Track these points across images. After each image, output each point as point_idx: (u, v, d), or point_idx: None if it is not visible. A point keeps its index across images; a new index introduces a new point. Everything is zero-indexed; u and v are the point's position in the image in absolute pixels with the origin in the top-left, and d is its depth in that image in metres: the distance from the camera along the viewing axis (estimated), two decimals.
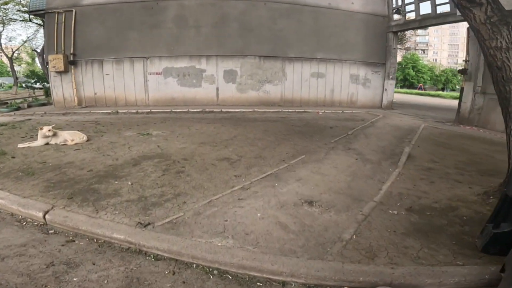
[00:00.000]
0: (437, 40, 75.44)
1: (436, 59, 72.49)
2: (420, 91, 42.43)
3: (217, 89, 13.81)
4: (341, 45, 14.68)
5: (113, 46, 13.37)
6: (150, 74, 13.52)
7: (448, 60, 73.56)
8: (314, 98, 14.77)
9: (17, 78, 28.89)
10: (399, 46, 21.28)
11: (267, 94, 14.15)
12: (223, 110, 12.60)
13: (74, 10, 13.22)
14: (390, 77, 15.08)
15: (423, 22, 13.61)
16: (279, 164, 5.38)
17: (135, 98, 13.82)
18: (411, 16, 14.65)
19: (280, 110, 13.07)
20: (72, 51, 13.46)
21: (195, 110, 12.49)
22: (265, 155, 5.88)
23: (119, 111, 12.41)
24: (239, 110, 12.69)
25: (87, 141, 6.46)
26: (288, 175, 4.90)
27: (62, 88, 13.94)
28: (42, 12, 13.96)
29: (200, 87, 13.70)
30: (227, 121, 10.31)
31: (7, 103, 15.24)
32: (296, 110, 13.19)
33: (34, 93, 21.89)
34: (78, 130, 8.37)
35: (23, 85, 24.13)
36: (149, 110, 12.40)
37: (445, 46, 75.58)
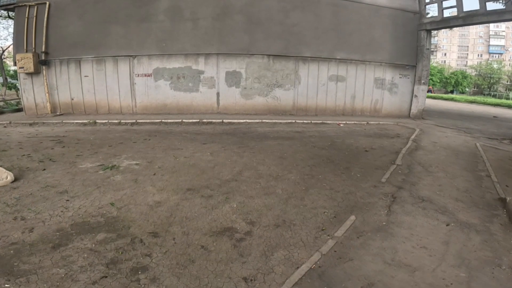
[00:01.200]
0: (446, 41, 73.08)
1: (444, 61, 70.21)
2: (431, 94, 40.36)
3: (218, 94, 11.54)
4: (365, 44, 12.38)
5: (93, 43, 11.12)
6: (138, 76, 11.27)
7: (458, 62, 71.24)
8: (332, 105, 12.46)
9: (6, 79, 26.86)
10: None
11: (277, 100, 11.87)
12: (224, 120, 10.31)
13: (47, 3, 10.97)
14: (422, 81, 12.74)
15: (468, 20, 11.28)
16: (318, 240, 3.10)
17: (120, 105, 11.57)
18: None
19: (294, 121, 10.77)
20: (43, 49, 11.22)
21: (190, 120, 10.21)
22: (291, 216, 3.59)
23: (97, 121, 10.17)
24: (244, 120, 10.40)
25: (12, 181, 4.18)
26: (342, 272, 2.61)
27: (33, 93, 11.71)
28: (12, 6, 11.79)
29: (198, 91, 11.43)
30: (230, 138, 8.05)
31: None
32: (313, 121, 10.90)
33: (17, 95, 19.76)
34: (29, 151, 6.16)
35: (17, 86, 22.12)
36: (134, 121, 10.15)
37: (454, 47, 73.17)
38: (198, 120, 10.20)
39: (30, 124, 10.24)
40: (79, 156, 5.80)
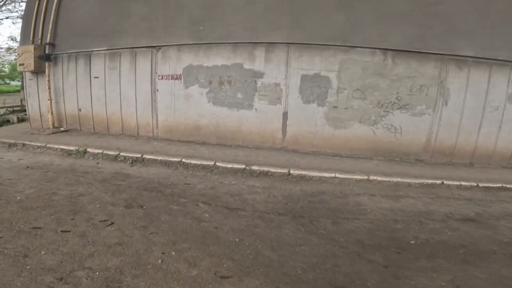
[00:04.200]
0: None
1: None
2: None
3: (285, 115, 6.65)
4: None
5: (106, 29, 7.47)
6: (161, 78, 7.15)
7: None
8: (507, 148, 6.36)
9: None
10: None
11: (395, 133, 6.35)
12: (292, 171, 5.29)
13: None
14: None
15: None
16: None
17: (136, 123, 7.62)
18: None
19: (438, 181, 5.12)
20: (49, 40, 8.04)
21: (230, 165, 5.50)
22: None
23: (89, 150, 6.31)
24: (332, 174, 5.21)
25: None
26: None
27: (38, 98, 8.65)
28: None
29: (251, 108, 6.72)
30: (302, 245, 3.03)
31: None
32: (480, 184, 5.10)
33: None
34: None
35: None
36: (140, 155, 5.93)
37: None
38: (244, 166, 5.41)
39: (9, 146, 7.00)
40: None
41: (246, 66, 6.50)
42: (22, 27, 8.72)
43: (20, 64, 8.18)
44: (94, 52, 7.69)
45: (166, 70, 7.01)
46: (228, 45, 6.51)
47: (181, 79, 6.93)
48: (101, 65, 7.68)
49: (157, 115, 7.35)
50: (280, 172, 5.28)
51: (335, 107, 6.31)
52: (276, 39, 6.33)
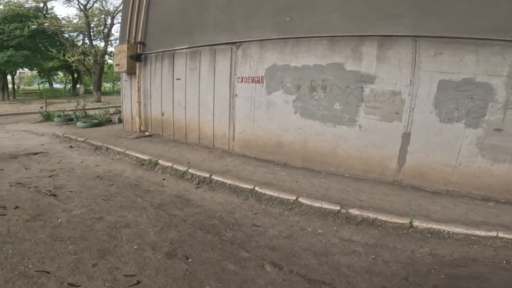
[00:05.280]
0: None
1: None
2: None
3: (406, 136, 4.52)
4: None
5: (187, 25, 6.76)
6: (241, 80, 5.96)
7: None
8: None
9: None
10: None
11: None
12: (418, 223, 3.32)
13: None
14: None
15: None
16: None
17: (213, 132, 6.72)
18: None
19: None
20: (140, 39, 7.93)
21: (319, 204, 3.88)
22: None
23: (160, 162, 5.70)
24: (491, 233, 3.02)
25: None
26: None
27: (130, 100, 8.80)
28: None
29: (353, 124, 4.84)
30: None
31: (91, 116, 12.02)
32: None
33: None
34: None
35: None
36: (208, 175, 4.94)
37: None
38: (338, 208, 3.72)
39: (95, 149, 7.14)
40: None
41: (348, 67, 4.66)
42: (120, 26, 8.94)
43: (116, 65, 8.34)
44: (177, 51, 7.13)
45: (246, 71, 5.80)
46: (322, 39, 4.78)
47: (263, 82, 5.60)
48: (182, 65, 7.07)
49: (234, 125, 6.25)
50: (394, 222, 3.42)
51: (499, 129, 3.89)
52: (395, 30, 4.28)
